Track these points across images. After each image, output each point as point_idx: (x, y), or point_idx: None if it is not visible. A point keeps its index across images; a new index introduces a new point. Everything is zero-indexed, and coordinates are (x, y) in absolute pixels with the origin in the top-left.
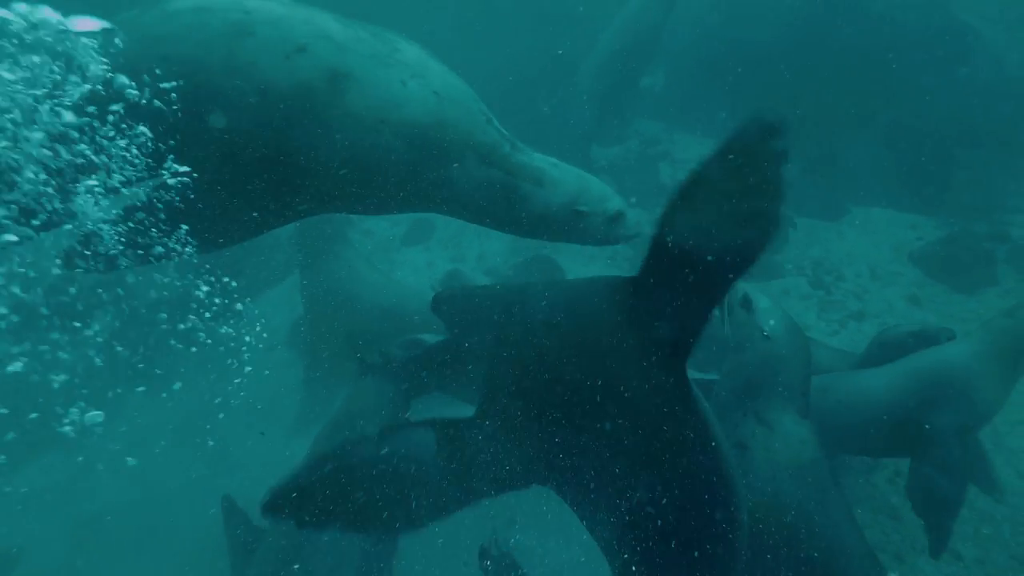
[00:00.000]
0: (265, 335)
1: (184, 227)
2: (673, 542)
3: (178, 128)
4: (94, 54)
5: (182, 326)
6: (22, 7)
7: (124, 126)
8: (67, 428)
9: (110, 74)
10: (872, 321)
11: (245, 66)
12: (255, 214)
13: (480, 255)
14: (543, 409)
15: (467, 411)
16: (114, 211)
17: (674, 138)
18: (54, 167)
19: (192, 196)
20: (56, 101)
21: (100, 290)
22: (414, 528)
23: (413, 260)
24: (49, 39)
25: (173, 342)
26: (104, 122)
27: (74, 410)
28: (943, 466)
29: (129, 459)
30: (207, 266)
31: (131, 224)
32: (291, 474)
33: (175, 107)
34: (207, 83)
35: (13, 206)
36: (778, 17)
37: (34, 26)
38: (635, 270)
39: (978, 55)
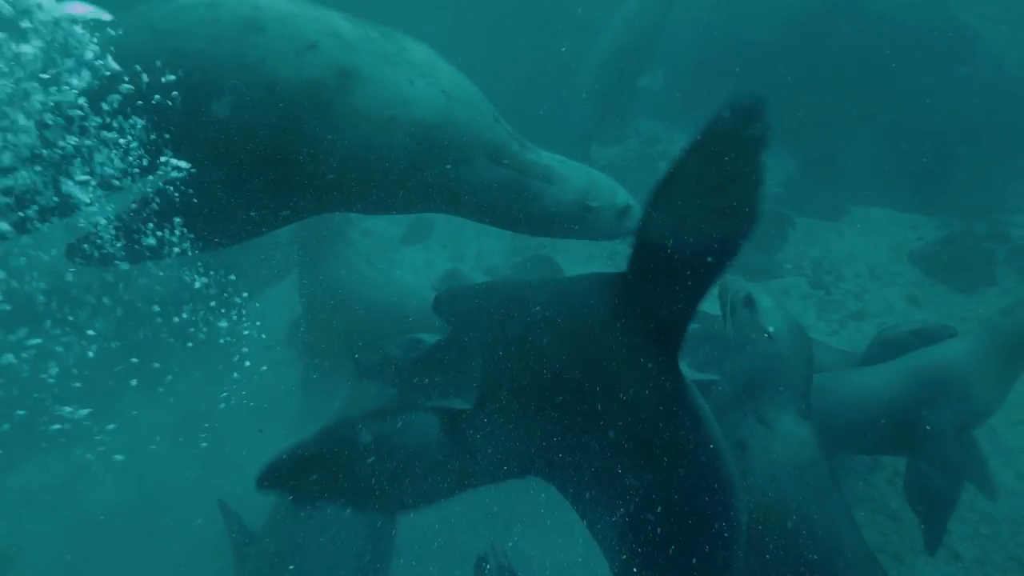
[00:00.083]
0: (264, 336)
1: (188, 225)
2: (672, 542)
3: (185, 123)
4: (92, 45)
5: (176, 319)
6: None
7: (129, 120)
8: (57, 426)
9: (103, 63)
10: (872, 321)
11: (255, 62)
12: (259, 213)
13: (479, 254)
14: (540, 406)
15: (465, 406)
16: (119, 207)
17: (674, 138)
18: (51, 158)
19: (199, 193)
20: (55, 90)
21: (98, 285)
22: (411, 509)
23: (412, 259)
24: (44, 27)
25: (171, 339)
26: (109, 115)
27: (67, 408)
28: (940, 463)
29: (126, 459)
30: (202, 264)
31: (135, 220)
32: (289, 449)
33: (184, 102)
34: (217, 78)
35: (7, 197)
36: (778, 17)
37: (26, 11)
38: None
39: (978, 55)
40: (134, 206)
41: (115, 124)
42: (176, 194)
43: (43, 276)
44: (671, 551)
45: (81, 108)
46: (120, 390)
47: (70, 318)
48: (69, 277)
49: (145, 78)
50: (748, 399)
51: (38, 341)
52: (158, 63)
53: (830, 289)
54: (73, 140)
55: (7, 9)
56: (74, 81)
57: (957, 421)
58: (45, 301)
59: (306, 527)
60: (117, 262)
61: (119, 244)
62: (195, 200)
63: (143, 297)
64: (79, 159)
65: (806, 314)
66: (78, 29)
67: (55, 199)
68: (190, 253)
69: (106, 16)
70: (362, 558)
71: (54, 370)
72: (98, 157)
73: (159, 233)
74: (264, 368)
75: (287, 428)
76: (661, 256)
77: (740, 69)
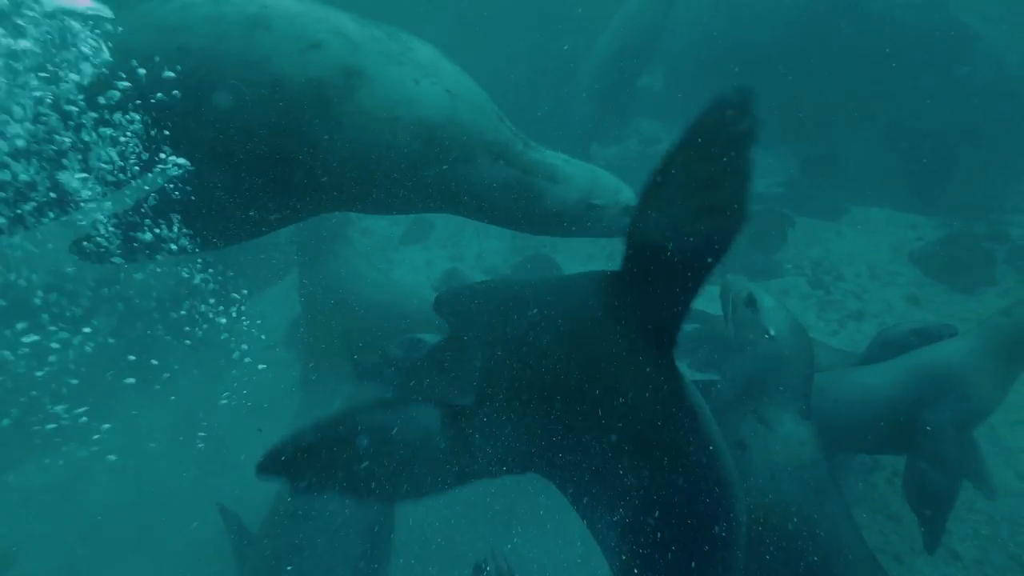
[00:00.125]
0: (263, 336)
1: (188, 224)
2: (672, 543)
3: (188, 121)
4: (90, 40)
5: (175, 316)
6: None
7: (128, 116)
8: (52, 425)
9: (100, 59)
10: (871, 321)
11: (260, 59)
12: (259, 213)
13: (479, 254)
14: (539, 405)
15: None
16: (121, 204)
17: (674, 138)
18: (48, 153)
19: (200, 193)
20: (54, 86)
21: (95, 281)
22: (411, 499)
23: (412, 259)
24: (41, 21)
25: (168, 336)
26: (108, 111)
27: (64, 407)
28: (938, 461)
29: (126, 459)
30: (200, 261)
31: (137, 218)
32: (289, 436)
33: (188, 99)
34: (222, 75)
35: (3, 192)
36: (778, 16)
37: (22, 3)
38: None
39: (978, 55)
40: (136, 204)
41: (116, 120)
42: (177, 193)
43: (42, 272)
44: (671, 552)
45: (78, 104)
46: (118, 388)
47: (67, 314)
48: (68, 271)
49: (150, 74)
50: (748, 399)
51: (36, 338)
52: (164, 59)
53: (830, 289)
54: (70, 136)
55: (4, 2)
56: (73, 76)
57: (956, 420)
58: (43, 297)
59: (304, 528)
60: (120, 259)
61: (122, 242)
62: (196, 199)
63: (141, 294)
64: (78, 155)
65: (806, 314)
66: (75, 24)
67: (52, 195)
68: (190, 252)
69: (106, 12)
70: (360, 559)
71: (50, 368)
72: (100, 154)
73: (160, 232)
74: (263, 367)
75: (287, 428)
76: (654, 255)
77: (740, 69)
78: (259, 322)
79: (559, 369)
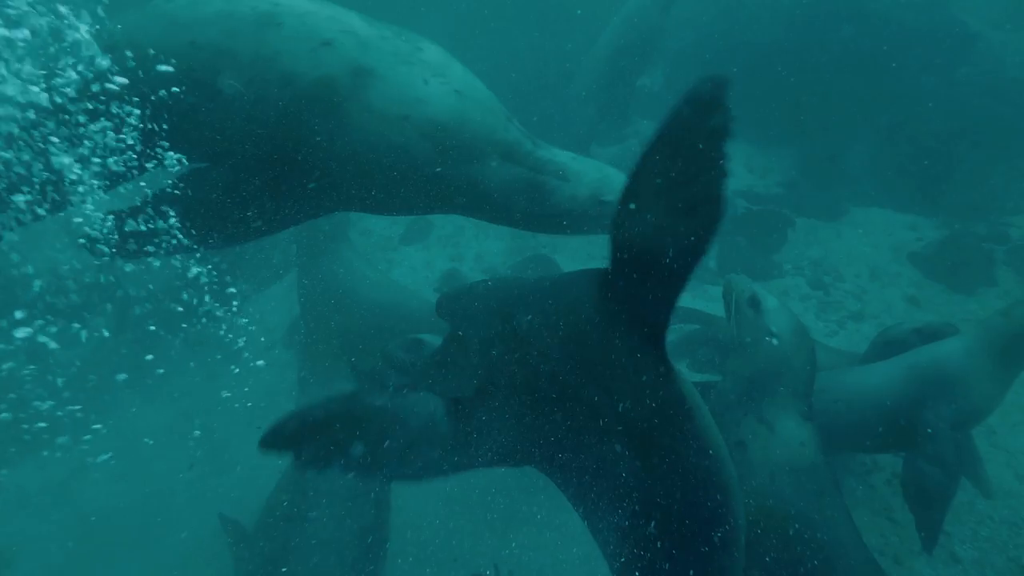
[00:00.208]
0: (263, 338)
1: (192, 223)
2: (671, 546)
3: (196, 116)
4: (85, 34)
5: (172, 312)
6: None
7: (134, 112)
8: (42, 424)
9: (96, 54)
10: (871, 322)
11: (271, 55)
12: (264, 213)
13: (478, 254)
14: (536, 402)
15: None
16: (125, 202)
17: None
18: (44, 149)
19: (206, 191)
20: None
21: (92, 278)
22: (413, 480)
23: (411, 259)
24: (35, 10)
25: (163, 332)
26: (107, 103)
27: (57, 405)
28: (936, 459)
29: (123, 459)
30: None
31: (144, 217)
32: (295, 412)
33: (197, 95)
34: (232, 71)
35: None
36: (778, 17)
37: None
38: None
39: (978, 55)
40: (142, 202)
41: (116, 113)
42: (183, 192)
43: (38, 266)
44: (671, 555)
45: (80, 99)
46: (115, 387)
47: (61, 307)
48: (64, 268)
49: (161, 68)
50: (749, 399)
51: (28, 331)
52: (175, 55)
53: (829, 290)
54: (59, 126)
55: None
56: (72, 72)
57: (953, 419)
58: (39, 291)
59: (298, 529)
60: (126, 256)
61: (128, 238)
62: (202, 198)
63: (138, 290)
64: (76, 150)
65: (806, 315)
66: (73, 17)
67: (47, 187)
68: (194, 250)
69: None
70: (355, 561)
71: (43, 364)
72: (101, 151)
73: (164, 228)
74: (262, 366)
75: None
76: (636, 254)
77: (740, 69)
78: (257, 322)
79: (555, 367)
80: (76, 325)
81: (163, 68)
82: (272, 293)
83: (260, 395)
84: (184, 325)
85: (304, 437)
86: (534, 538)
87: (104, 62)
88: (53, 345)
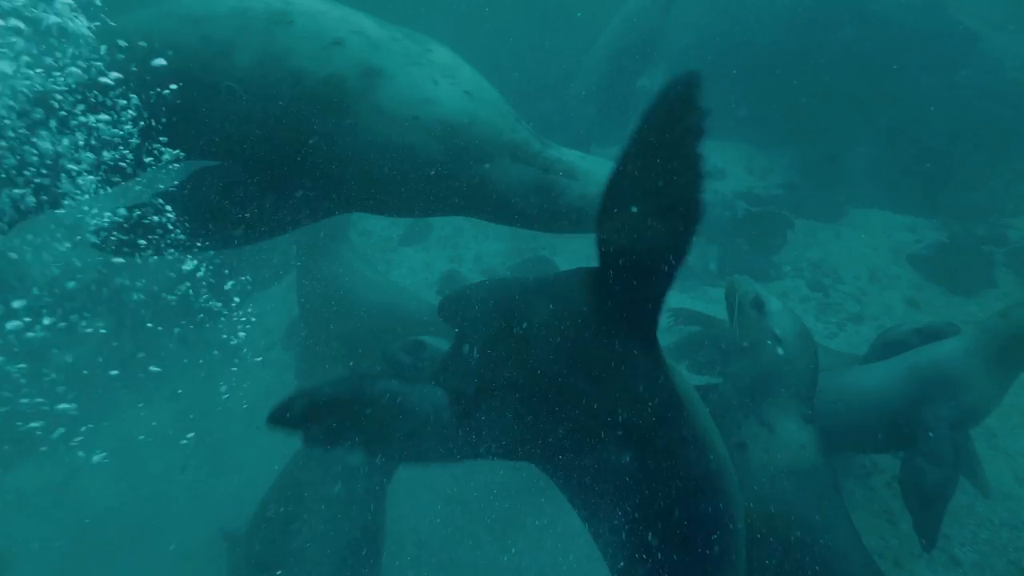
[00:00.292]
0: (262, 342)
1: (198, 222)
2: (671, 551)
3: (207, 112)
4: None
5: (168, 298)
6: None
7: (135, 104)
8: (36, 424)
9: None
10: (871, 324)
11: (282, 53)
12: (269, 213)
13: (477, 256)
14: (534, 401)
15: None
16: (128, 201)
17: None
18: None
19: (209, 190)
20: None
21: (92, 277)
22: (418, 462)
23: (410, 260)
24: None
25: (160, 328)
26: (114, 97)
27: (59, 406)
28: (934, 458)
29: (121, 460)
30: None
31: (151, 214)
32: (302, 391)
33: (207, 91)
34: (243, 66)
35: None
36: (778, 19)
37: None
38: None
39: (978, 57)
40: (147, 200)
41: (130, 111)
42: (185, 192)
43: (36, 265)
44: (671, 560)
45: (83, 95)
46: (111, 387)
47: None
48: (61, 264)
49: (170, 63)
50: (751, 401)
51: (17, 324)
52: (187, 49)
53: (829, 291)
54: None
55: None
56: (74, 69)
57: (951, 418)
58: (38, 295)
59: (293, 533)
60: (131, 252)
61: (134, 236)
62: (202, 199)
63: (134, 283)
64: (75, 147)
65: (805, 316)
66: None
67: (44, 187)
68: (198, 249)
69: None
70: (350, 565)
71: (35, 361)
72: (105, 147)
73: (171, 227)
74: (261, 367)
75: (283, 431)
76: (620, 256)
77: (740, 70)
78: (256, 323)
79: (551, 366)
80: (75, 319)
81: (158, 63)
82: (271, 294)
83: (259, 396)
84: (183, 321)
85: (312, 416)
86: (534, 541)
87: (111, 56)
88: (33, 333)
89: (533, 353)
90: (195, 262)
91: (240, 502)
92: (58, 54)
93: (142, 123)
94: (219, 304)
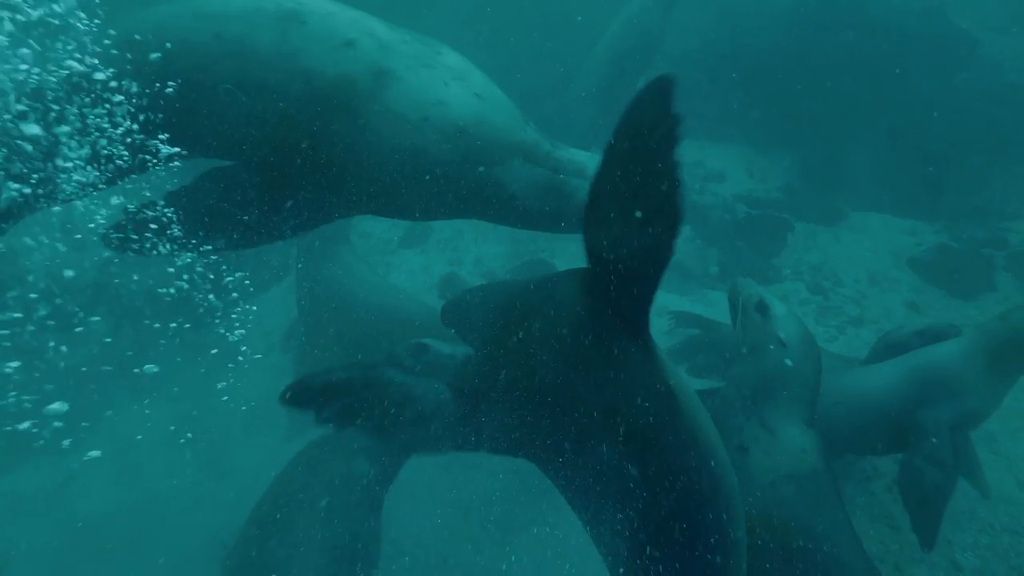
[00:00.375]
0: (261, 344)
1: (202, 223)
2: (669, 557)
3: (218, 109)
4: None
5: (165, 294)
6: None
7: (138, 100)
8: (28, 423)
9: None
10: (871, 327)
11: (293, 52)
12: (275, 214)
13: (477, 258)
14: (533, 400)
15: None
16: (133, 199)
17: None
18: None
19: (210, 191)
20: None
21: (91, 278)
22: (424, 449)
23: (410, 263)
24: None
25: (158, 325)
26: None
27: (54, 407)
28: (933, 459)
29: (117, 463)
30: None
31: (156, 213)
32: (318, 372)
33: (220, 88)
34: (254, 65)
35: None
36: (778, 23)
37: None
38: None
39: (977, 61)
40: (152, 200)
41: (132, 110)
42: (186, 191)
43: (34, 265)
44: (671, 567)
45: (86, 91)
46: (111, 388)
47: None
48: (56, 265)
49: (184, 60)
50: (753, 404)
51: (6, 328)
52: (199, 46)
53: (829, 295)
54: (67, 126)
55: None
56: (74, 63)
57: (950, 419)
58: (36, 298)
59: (287, 538)
60: (137, 250)
61: (141, 234)
62: (205, 200)
63: (136, 291)
64: (73, 143)
65: (805, 320)
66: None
67: (43, 184)
68: (202, 250)
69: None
70: (346, 569)
71: (26, 363)
72: (105, 144)
73: (175, 227)
74: (259, 370)
75: (283, 433)
76: (606, 259)
77: (741, 74)
78: (255, 322)
79: (549, 365)
80: (75, 320)
81: (157, 58)
82: (270, 296)
83: (257, 398)
84: (180, 319)
85: (326, 395)
86: (533, 547)
87: (123, 53)
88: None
89: (532, 354)
90: (193, 259)
91: (237, 505)
92: (59, 48)
93: (148, 120)
94: (218, 302)
